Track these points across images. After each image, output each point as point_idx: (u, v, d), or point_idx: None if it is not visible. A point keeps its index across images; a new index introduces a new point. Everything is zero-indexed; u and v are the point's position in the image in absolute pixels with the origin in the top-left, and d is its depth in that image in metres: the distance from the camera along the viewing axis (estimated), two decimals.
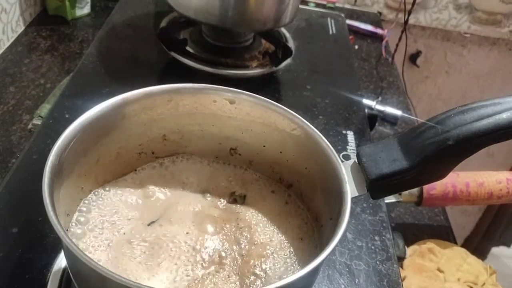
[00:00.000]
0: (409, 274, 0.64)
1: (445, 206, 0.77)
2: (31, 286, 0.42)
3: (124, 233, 0.37)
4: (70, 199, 0.37)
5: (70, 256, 0.31)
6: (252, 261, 0.37)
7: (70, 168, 0.36)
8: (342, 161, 0.36)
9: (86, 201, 0.39)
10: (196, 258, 0.37)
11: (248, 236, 0.39)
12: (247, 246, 0.38)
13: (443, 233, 0.74)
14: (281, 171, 0.44)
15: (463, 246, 0.73)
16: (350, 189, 0.34)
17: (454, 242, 0.73)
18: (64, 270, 0.42)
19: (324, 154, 0.37)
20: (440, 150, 0.32)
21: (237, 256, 0.38)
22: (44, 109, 0.67)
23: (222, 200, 0.43)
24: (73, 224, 0.37)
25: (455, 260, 0.67)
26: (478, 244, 1.46)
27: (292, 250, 0.39)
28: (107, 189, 0.41)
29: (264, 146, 0.44)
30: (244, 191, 0.44)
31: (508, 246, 1.52)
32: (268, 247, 0.38)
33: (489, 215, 1.45)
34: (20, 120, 0.71)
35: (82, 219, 0.38)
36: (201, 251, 0.37)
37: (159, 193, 0.42)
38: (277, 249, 0.39)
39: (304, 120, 0.40)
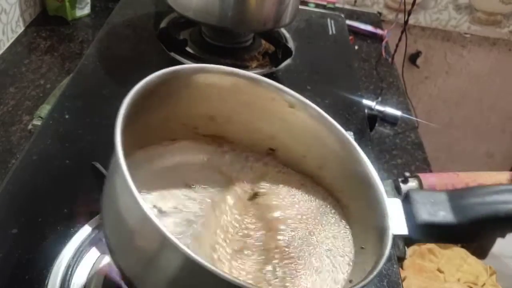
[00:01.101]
0: (409, 274, 0.64)
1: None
2: (31, 286, 0.42)
3: None
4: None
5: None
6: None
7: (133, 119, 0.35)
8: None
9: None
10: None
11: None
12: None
13: None
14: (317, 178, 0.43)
15: (463, 246, 0.73)
16: (394, 226, 0.34)
17: None
18: (64, 270, 0.42)
19: (371, 186, 0.37)
20: (489, 218, 0.34)
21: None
22: (44, 109, 0.67)
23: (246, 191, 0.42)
24: None
25: (455, 260, 0.67)
26: (478, 245, 1.46)
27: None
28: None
29: (304, 157, 0.43)
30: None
31: (508, 246, 1.52)
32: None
33: None
34: (20, 120, 0.71)
35: None
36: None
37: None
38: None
39: (358, 148, 0.39)
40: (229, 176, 0.42)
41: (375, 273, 0.30)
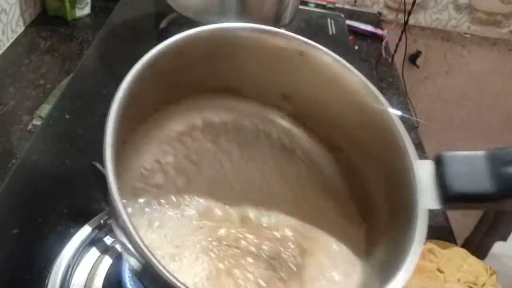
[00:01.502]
0: None
1: None
2: (31, 286, 0.42)
3: None
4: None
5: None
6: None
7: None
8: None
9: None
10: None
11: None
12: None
13: (443, 234, 0.74)
14: (332, 133, 0.40)
15: (463, 246, 0.73)
16: (424, 199, 0.30)
17: (454, 242, 0.73)
18: (64, 270, 0.42)
19: (399, 144, 0.32)
20: None
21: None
22: (44, 109, 0.66)
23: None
24: None
25: (455, 260, 0.67)
26: (478, 245, 1.46)
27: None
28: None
29: (318, 102, 0.40)
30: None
31: (508, 246, 1.52)
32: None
33: (489, 216, 1.45)
34: (20, 120, 0.71)
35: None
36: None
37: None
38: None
39: (382, 97, 0.35)
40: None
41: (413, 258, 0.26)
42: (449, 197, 0.30)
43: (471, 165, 0.30)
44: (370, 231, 0.36)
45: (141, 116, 0.37)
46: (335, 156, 0.41)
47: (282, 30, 0.38)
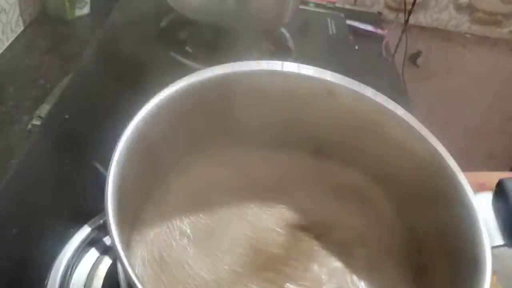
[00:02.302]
0: None
1: None
2: (31, 286, 0.42)
3: None
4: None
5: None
6: None
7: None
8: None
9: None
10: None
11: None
12: None
13: None
14: (372, 188, 0.35)
15: None
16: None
17: None
18: (64, 270, 0.42)
19: (452, 183, 0.27)
20: None
21: None
22: (44, 109, 0.66)
23: None
24: None
25: None
26: None
27: None
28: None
29: (360, 149, 0.35)
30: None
31: (509, 246, 1.52)
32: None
33: None
34: (19, 120, 0.71)
35: None
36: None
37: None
38: None
39: (438, 143, 0.29)
40: None
41: None
42: None
43: None
44: None
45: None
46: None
47: (308, 70, 0.34)
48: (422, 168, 0.30)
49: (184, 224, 0.34)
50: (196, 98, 0.32)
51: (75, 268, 0.43)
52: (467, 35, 1.36)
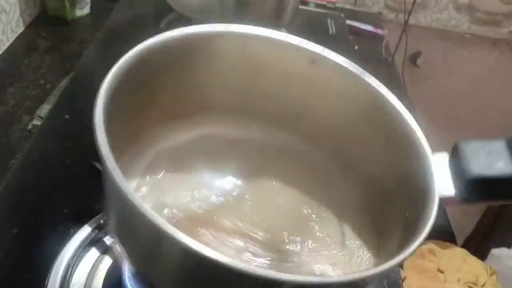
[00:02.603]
0: (409, 274, 0.64)
1: (446, 206, 0.77)
2: (31, 286, 0.42)
3: None
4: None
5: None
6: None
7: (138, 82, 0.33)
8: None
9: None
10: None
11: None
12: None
13: (443, 234, 0.74)
14: (348, 150, 0.39)
15: (463, 246, 0.73)
16: (439, 186, 0.30)
17: (454, 242, 0.74)
18: (64, 270, 0.42)
19: (412, 141, 0.32)
20: None
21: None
22: (44, 109, 0.66)
23: None
24: None
25: (455, 260, 0.67)
26: (478, 245, 1.46)
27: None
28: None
29: (334, 119, 0.39)
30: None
31: (509, 246, 1.52)
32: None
33: (489, 216, 1.45)
34: (20, 120, 0.71)
35: None
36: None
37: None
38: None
39: (397, 100, 0.35)
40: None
41: (418, 241, 0.26)
42: (467, 181, 0.29)
43: (488, 150, 0.29)
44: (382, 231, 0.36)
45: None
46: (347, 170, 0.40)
47: (290, 39, 0.37)
48: (387, 136, 0.34)
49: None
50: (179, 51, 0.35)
51: (76, 268, 0.43)
52: (467, 35, 1.36)
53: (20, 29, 0.89)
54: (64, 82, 0.72)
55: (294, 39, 0.37)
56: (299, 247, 0.36)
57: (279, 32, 0.37)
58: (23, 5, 0.88)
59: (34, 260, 0.43)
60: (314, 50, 0.37)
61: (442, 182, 0.30)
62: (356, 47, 1.09)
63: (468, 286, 0.65)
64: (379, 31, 1.14)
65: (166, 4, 0.72)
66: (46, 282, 0.41)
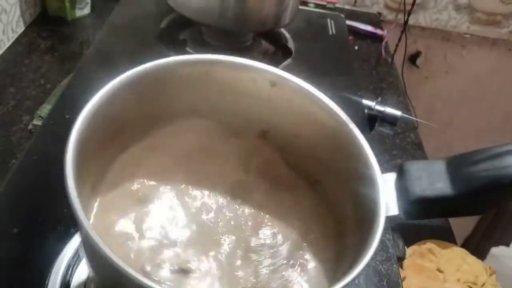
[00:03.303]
0: (409, 274, 0.64)
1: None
2: (31, 286, 0.42)
3: None
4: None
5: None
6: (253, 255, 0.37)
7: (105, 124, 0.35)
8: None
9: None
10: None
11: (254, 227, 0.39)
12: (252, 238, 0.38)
13: (442, 233, 0.74)
14: (309, 166, 0.41)
15: (463, 246, 0.73)
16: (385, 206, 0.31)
17: (454, 242, 0.73)
18: (64, 270, 0.42)
19: (365, 162, 0.34)
20: (492, 187, 0.29)
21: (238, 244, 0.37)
22: (44, 109, 0.67)
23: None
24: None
25: (455, 260, 0.67)
26: (477, 244, 1.46)
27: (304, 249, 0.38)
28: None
29: (296, 137, 0.41)
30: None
31: (508, 246, 1.52)
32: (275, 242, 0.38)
33: (488, 216, 1.45)
34: (20, 120, 0.71)
35: None
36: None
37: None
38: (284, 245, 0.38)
39: (349, 120, 0.37)
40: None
41: (363, 263, 0.28)
42: (410, 201, 0.31)
43: (430, 171, 0.31)
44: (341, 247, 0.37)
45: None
46: (313, 187, 0.42)
47: (252, 62, 0.39)
48: (346, 153, 0.36)
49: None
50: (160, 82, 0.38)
51: (76, 267, 0.43)
52: (467, 36, 1.36)
53: (21, 29, 0.89)
54: (64, 82, 0.72)
55: (255, 63, 0.39)
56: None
57: (241, 58, 0.39)
58: (23, 5, 0.88)
59: (34, 260, 0.43)
60: (274, 73, 0.39)
61: (389, 202, 0.31)
62: (356, 47, 1.09)
63: (468, 285, 0.65)
64: (379, 31, 1.14)
65: (166, 4, 0.72)
66: (46, 282, 0.41)
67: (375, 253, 0.49)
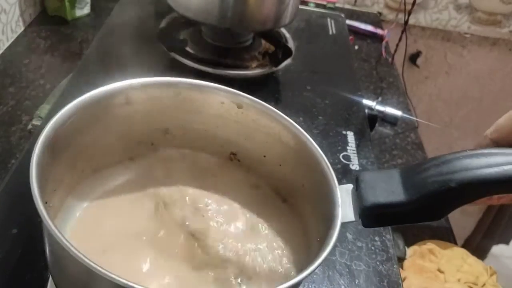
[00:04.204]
0: (409, 274, 0.64)
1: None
2: (31, 286, 0.42)
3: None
4: (62, 176, 0.37)
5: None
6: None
7: (65, 144, 0.37)
8: (342, 183, 0.36)
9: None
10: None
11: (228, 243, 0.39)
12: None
13: (443, 234, 0.74)
14: (278, 183, 0.44)
15: (463, 246, 0.73)
16: (343, 214, 0.34)
17: (454, 242, 0.73)
18: None
19: (322, 174, 0.37)
20: (441, 191, 0.30)
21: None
22: (44, 109, 0.66)
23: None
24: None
25: (455, 260, 0.67)
26: (478, 245, 1.46)
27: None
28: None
29: (264, 156, 0.43)
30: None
31: (507, 243, 1.52)
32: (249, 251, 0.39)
33: (489, 216, 1.45)
34: (19, 120, 0.71)
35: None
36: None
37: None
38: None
39: (309, 137, 0.39)
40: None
41: (315, 264, 0.30)
42: (364, 208, 0.33)
43: (384, 180, 0.33)
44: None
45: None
46: (283, 204, 0.44)
47: (218, 86, 0.41)
48: (307, 167, 0.39)
49: None
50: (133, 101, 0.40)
51: None
52: (467, 35, 1.36)
53: (20, 29, 0.89)
54: (63, 82, 0.72)
55: (221, 88, 0.41)
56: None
57: (209, 83, 0.41)
58: (23, 5, 0.88)
59: (34, 260, 0.43)
60: (240, 96, 0.41)
61: (346, 210, 0.34)
62: (356, 47, 1.09)
63: (468, 286, 0.65)
64: (379, 31, 1.14)
65: (166, 4, 0.72)
66: (46, 283, 0.41)
67: (376, 254, 0.49)
